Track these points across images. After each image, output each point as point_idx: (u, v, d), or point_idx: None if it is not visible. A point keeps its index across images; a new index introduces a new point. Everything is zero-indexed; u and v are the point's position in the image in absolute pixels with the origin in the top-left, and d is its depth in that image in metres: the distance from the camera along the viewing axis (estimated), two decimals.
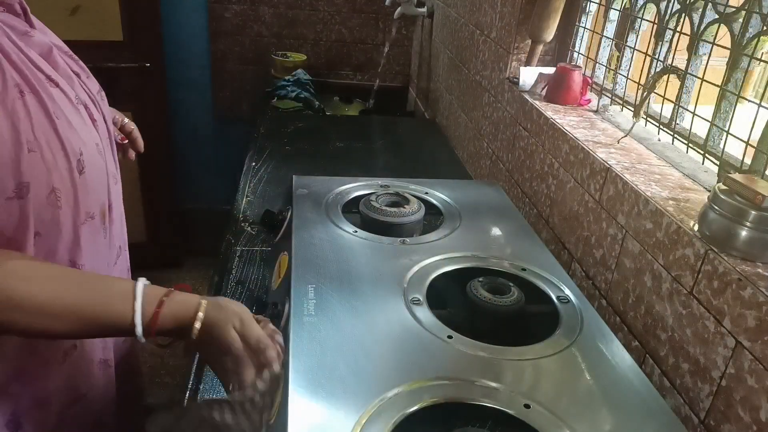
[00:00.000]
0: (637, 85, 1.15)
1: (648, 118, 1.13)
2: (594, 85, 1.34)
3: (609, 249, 0.98)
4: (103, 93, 0.89)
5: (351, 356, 0.68)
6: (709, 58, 1.00)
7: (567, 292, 0.86)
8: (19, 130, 0.66)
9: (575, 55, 1.42)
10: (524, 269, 0.91)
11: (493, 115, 1.57)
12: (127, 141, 1.11)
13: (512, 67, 1.47)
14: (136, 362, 1.03)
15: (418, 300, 0.80)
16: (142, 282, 0.69)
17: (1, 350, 0.72)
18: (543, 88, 1.35)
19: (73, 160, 0.72)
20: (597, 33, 1.33)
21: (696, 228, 0.78)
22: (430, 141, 2.07)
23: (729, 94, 0.92)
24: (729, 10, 0.92)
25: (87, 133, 0.76)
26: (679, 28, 1.03)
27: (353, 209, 1.07)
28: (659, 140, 1.10)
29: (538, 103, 1.30)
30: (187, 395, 0.85)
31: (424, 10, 2.35)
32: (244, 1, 2.58)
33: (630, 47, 1.22)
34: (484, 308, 0.80)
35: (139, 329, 0.66)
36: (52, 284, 0.65)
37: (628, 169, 0.97)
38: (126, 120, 1.09)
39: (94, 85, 0.85)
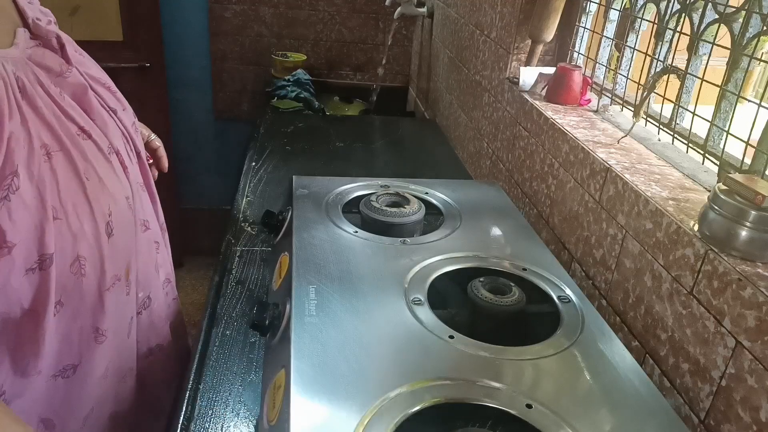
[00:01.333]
0: (637, 85, 1.15)
1: (648, 118, 1.13)
2: (594, 85, 1.34)
3: (609, 249, 0.98)
4: (137, 123, 0.84)
5: (352, 356, 0.68)
6: (709, 58, 1.00)
7: (568, 291, 0.86)
8: (45, 197, 0.61)
9: (575, 55, 1.42)
10: (525, 269, 0.91)
11: (493, 115, 1.57)
12: (151, 160, 1.04)
13: (512, 67, 1.48)
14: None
15: (419, 300, 0.80)
16: None
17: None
18: (543, 88, 1.36)
19: (101, 224, 0.67)
20: (597, 33, 1.33)
21: (696, 228, 0.78)
22: (430, 141, 2.07)
23: (729, 94, 0.92)
24: (729, 10, 0.92)
25: (118, 188, 0.72)
26: (679, 28, 1.04)
27: (353, 209, 1.07)
28: (659, 140, 1.10)
29: (538, 103, 1.30)
30: (186, 395, 0.85)
31: (424, 10, 2.35)
32: (244, 1, 2.58)
33: (630, 47, 1.22)
34: (485, 308, 0.80)
35: None
36: None
37: (628, 169, 0.97)
38: (153, 136, 1.03)
39: (129, 118, 0.81)
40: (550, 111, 1.25)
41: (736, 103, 0.91)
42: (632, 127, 1.12)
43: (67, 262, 0.64)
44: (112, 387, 0.78)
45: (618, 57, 1.27)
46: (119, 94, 0.81)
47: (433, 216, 1.09)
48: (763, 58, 0.88)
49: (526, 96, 1.35)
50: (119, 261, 0.72)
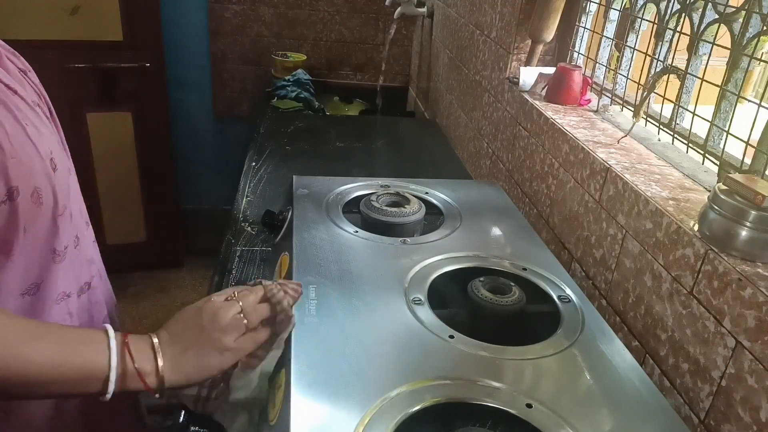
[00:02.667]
0: (637, 85, 1.15)
1: (648, 118, 1.13)
2: (594, 85, 1.34)
3: (609, 249, 0.98)
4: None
5: (353, 356, 0.68)
6: (709, 58, 1.01)
7: (568, 291, 0.86)
8: (2, 140, 0.68)
9: (575, 55, 1.42)
10: (525, 269, 0.91)
11: (493, 115, 1.57)
12: None
13: (512, 67, 1.48)
14: None
15: (420, 300, 0.80)
16: (110, 327, 0.68)
17: None
18: (543, 88, 1.36)
19: (47, 161, 0.76)
20: (597, 33, 1.33)
21: (696, 228, 0.78)
22: (430, 141, 2.07)
23: (729, 94, 0.92)
24: (729, 10, 0.92)
25: (50, 134, 0.80)
26: (679, 28, 1.04)
27: (354, 209, 1.07)
28: (659, 140, 1.10)
29: (538, 103, 1.30)
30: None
31: (424, 10, 2.35)
32: (244, 1, 2.58)
33: (630, 47, 1.22)
34: (485, 308, 0.80)
35: (113, 375, 0.64)
36: (26, 343, 0.64)
37: (628, 169, 0.97)
38: None
39: (36, 78, 0.88)
40: (550, 111, 1.25)
41: (736, 103, 0.91)
42: (632, 127, 1.12)
43: (28, 193, 0.73)
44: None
45: (618, 57, 1.27)
46: (23, 59, 0.88)
47: (434, 216, 1.09)
48: (763, 58, 0.88)
49: (526, 96, 1.35)
50: (64, 192, 0.81)
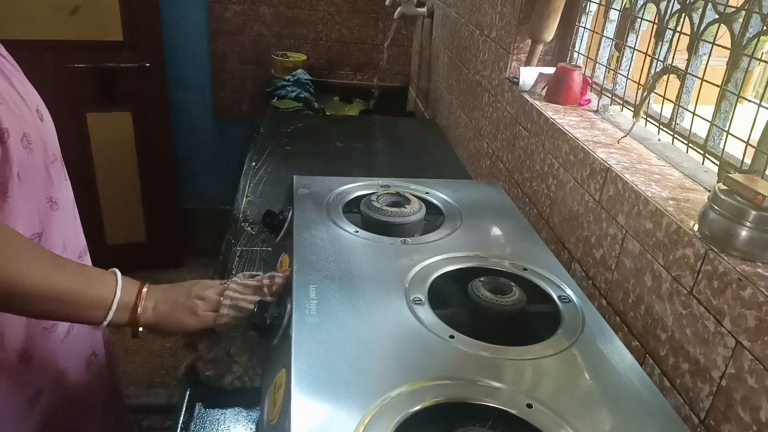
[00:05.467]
0: (637, 85, 1.15)
1: (648, 118, 1.13)
2: (594, 85, 1.34)
3: (609, 249, 0.98)
4: None
5: (353, 356, 0.68)
6: (709, 58, 1.01)
7: (568, 291, 0.86)
8: None
9: (575, 55, 1.42)
10: (525, 269, 0.91)
11: (493, 115, 1.57)
12: None
13: (512, 67, 1.48)
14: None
15: (420, 300, 0.80)
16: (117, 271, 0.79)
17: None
18: (543, 88, 1.36)
19: (33, 110, 0.84)
20: (597, 33, 1.33)
21: (696, 228, 0.78)
22: (430, 141, 2.07)
23: (729, 94, 0.92)
24: (729, 10, 0.92)
25: (33, 90, 0.88)
26: (679, 28, 1.04)
27: (354, 209, 1.07)
28: (659, 140, 1.10)
29: (538, 103, 1.30)
30: (186, 395, 0.86)
31: (424, 10, 2.35)
32: (244, 1, 2.58)
33: (630, 47, 1.22)
34: (485, 308, 0.80)
35: (114, 309, 0.75)
36: (38, 263, 0.71)
37: (628, 169, 0.97)
38: None
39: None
40: (550, 111, 1.25)
41: (736, 103, 0.91)
42: (632, 127, 1.12)
43: (18, 138, 0.79)
44: None
45: (618, 57, 1.27)
46: None
47: (434, 216, 1.09)
48: (763, 58, 0.88)
49: (526, 96, 1.35)
50: (52, 141, 0.88)
